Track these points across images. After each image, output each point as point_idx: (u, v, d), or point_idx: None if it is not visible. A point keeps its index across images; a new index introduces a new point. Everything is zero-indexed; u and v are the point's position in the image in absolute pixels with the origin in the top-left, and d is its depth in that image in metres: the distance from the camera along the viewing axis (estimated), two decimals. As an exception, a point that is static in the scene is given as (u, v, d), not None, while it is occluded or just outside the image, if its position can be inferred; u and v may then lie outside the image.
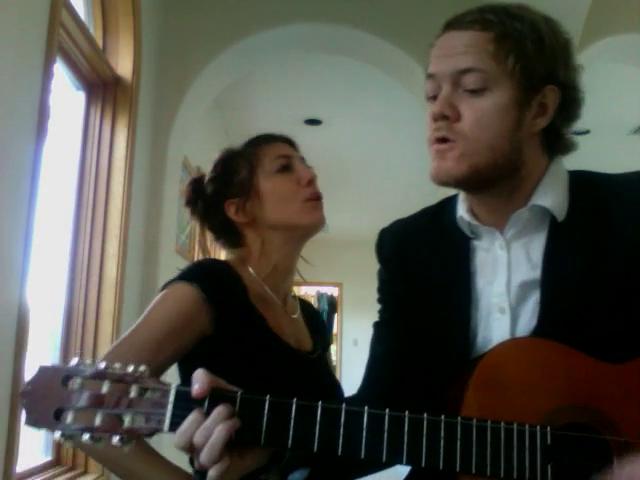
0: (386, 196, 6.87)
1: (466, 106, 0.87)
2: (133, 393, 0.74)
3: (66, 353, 2.37)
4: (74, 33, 2.25)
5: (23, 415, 0.74)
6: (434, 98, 0.90)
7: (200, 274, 1.09)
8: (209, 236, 1.27)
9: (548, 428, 0.77)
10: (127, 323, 2.42)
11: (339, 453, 0.75)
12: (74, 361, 0.75)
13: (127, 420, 0.73)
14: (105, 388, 0.74)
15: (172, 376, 1.02)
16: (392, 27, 3.14)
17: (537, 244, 0.91)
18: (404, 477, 0.98)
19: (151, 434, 0.74)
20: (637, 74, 3.51)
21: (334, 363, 9.30)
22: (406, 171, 5.90)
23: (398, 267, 1.04)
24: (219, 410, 0.74)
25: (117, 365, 0.75)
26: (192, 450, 0.74)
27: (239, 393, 0.76)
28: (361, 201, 7.38)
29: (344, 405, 0.76)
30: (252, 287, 1.14)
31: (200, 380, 0.75)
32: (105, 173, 2.57)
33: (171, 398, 0.75)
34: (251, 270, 1.18)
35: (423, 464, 0.74)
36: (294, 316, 1.23)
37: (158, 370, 1.04)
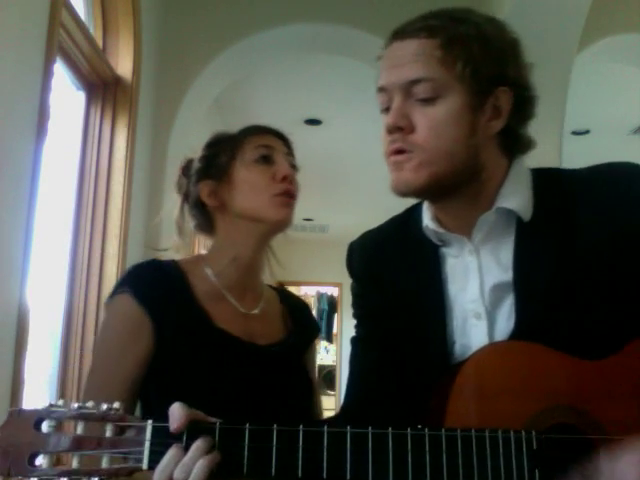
0: (386, 196, 6.78)
1: (419, 116, 0.86)
2: (109, 432, 0.72)
3: (66, 353, 2.37)
4: (74, 33, 2.25)
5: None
6: (387, 110, 0.89)
7: (136, 281, 1.11)
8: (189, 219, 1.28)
9: (533, 432, 0.76)
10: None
11: (324, 476, 0.73)
12: (46, 403, 0.73)
13: (105, 461, 0.71)
14: (80, 429, 0.72)
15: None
16: (392, 27, 3.13)
17: (506, 246, 0.91)
18: None
19: (130, 473, 0.72)
20: (637, 74, 3.51)
21: (334, 363, 9.30)
22: (406, 171, 5.89)
23: (370, 280, 1.02)
24: (198, 445, 0.72)
25: (90, 404, 0.73)
26: None
27: (217, 423, 0.74)
28: (361, 201, 7.37)
29: (326, 427, 0.75)
30: (199, 283, 1.15)
31: (176, 414, 0.73)
32: (105, 173, 2.57)
33: (148, 435, 0.73)
34: (207, 268, 1.19)
35: None
36: (255, 311, 1.20)
37: (131, 395, 1.06)
